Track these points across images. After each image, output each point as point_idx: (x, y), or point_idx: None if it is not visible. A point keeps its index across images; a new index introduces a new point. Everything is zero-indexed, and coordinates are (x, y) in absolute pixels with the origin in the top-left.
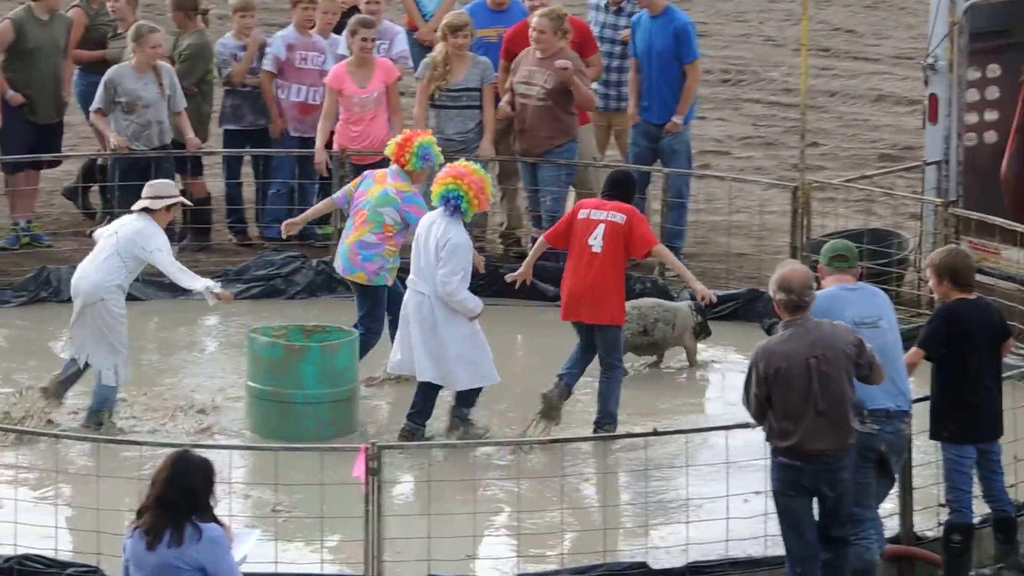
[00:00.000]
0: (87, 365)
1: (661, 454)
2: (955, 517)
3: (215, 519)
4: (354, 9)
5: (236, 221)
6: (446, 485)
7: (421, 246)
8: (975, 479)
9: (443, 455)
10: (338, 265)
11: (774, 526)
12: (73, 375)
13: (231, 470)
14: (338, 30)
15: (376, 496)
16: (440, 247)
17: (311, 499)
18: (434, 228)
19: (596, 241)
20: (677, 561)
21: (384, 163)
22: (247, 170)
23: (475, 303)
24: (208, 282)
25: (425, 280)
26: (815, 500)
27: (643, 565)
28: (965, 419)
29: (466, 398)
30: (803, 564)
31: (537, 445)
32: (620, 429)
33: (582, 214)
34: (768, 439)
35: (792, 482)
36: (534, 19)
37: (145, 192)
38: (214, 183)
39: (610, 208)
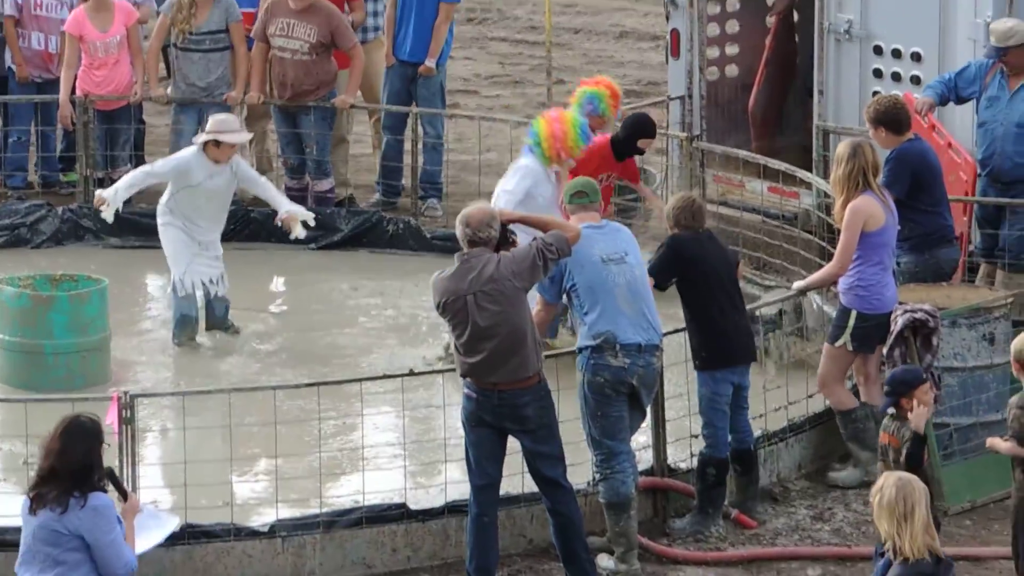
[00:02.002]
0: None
1: (420, 395)
2: (710, 452)
3: (118, 486)
4: None
5: None
6: (202, 432)
7: None
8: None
9: (195, 401)
10: None
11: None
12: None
13: None
14: None
15: (130, 445)
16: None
17: None
18: None
19: None
20: (436, 501)
21: (127, 106)
22: None
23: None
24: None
25: None
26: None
27: (402, 506)
28: (714, 346)
29: None
30: (479, 493)
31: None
32: (379, 371)
33: None
34: (455, 367)
35: (472, 414)
36: None
37: (207, 125)
38: None
39: None
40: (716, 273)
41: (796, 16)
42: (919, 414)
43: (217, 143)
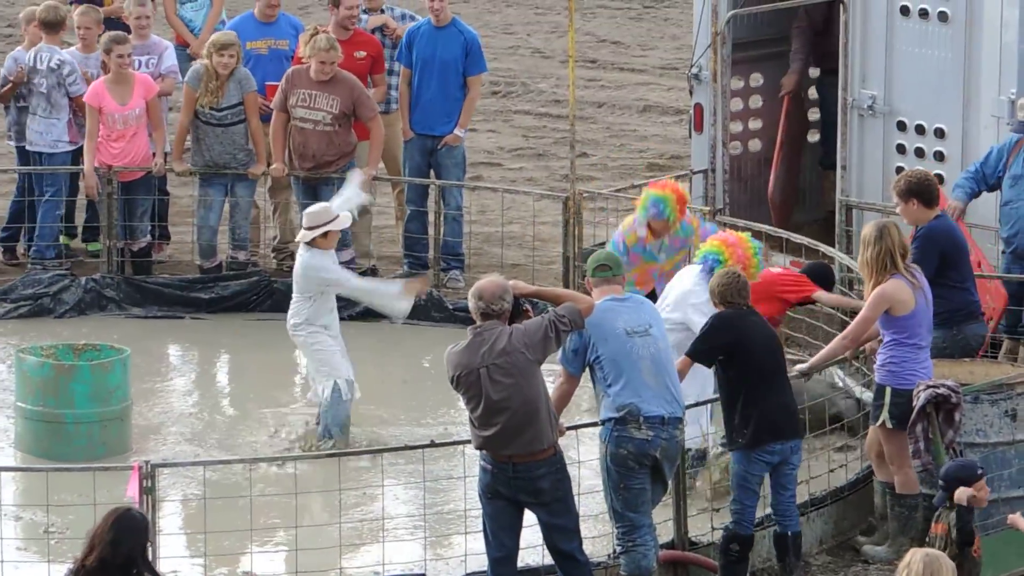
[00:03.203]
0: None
1: (440, 466)
2: (736, 528)
3: (153, 574)
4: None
5: (8, 239)
6: (222, 503)
7: None
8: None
9: (216, 473)
10: None
11: None
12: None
13: (1, 491)
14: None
15: (151, 514)
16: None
17: (84, 520)
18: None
19: None
20: (456, 573)
21: (146, 178)
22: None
23: None
24: (400, 282)
25: None
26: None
27: None
28: (757, 424)
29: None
30: (496, 566)
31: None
32: (399, 442)
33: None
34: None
35: (488, 486)
36: (322, 41)
37: (303, 222)
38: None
39: None
40: (762, 350)
41: (808, 93)
42: (962, 493)
43: (325, 234)
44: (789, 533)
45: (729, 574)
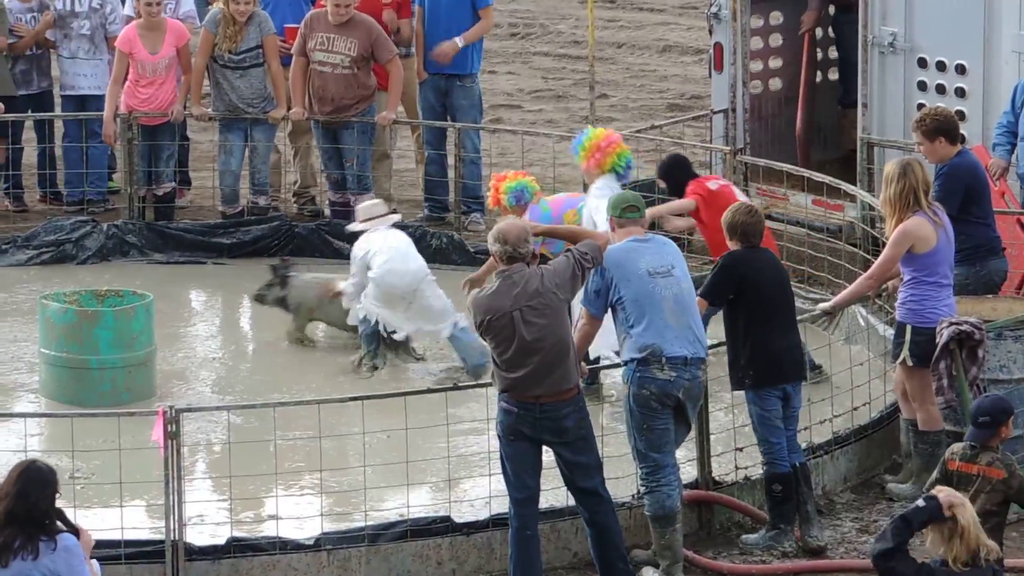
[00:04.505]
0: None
1: (463, 410)
2: (772, 468)
3: (68, 525)
4: None
5: (14, 186)
6: (247, 446)
7: None
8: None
9: (240, 416)
10: None
11: None
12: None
13: (27, 438)
14: None
15: (175, 460)
16: None
17: (110, 465)
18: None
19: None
20: (480, 515)
21: (170, 123)
22: (29, 135)
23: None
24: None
25: None
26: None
27: (447, 519)
28: (764, 364)
29: None
30: (519, 507)
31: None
32: (421, 385)
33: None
34: (494, 383)
35: (511, 427)
36: None
37: (357, 215)
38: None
39: None
40: (771, 290)
41: (824, 32)
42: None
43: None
44: (796, 464)
45: (777, 515)
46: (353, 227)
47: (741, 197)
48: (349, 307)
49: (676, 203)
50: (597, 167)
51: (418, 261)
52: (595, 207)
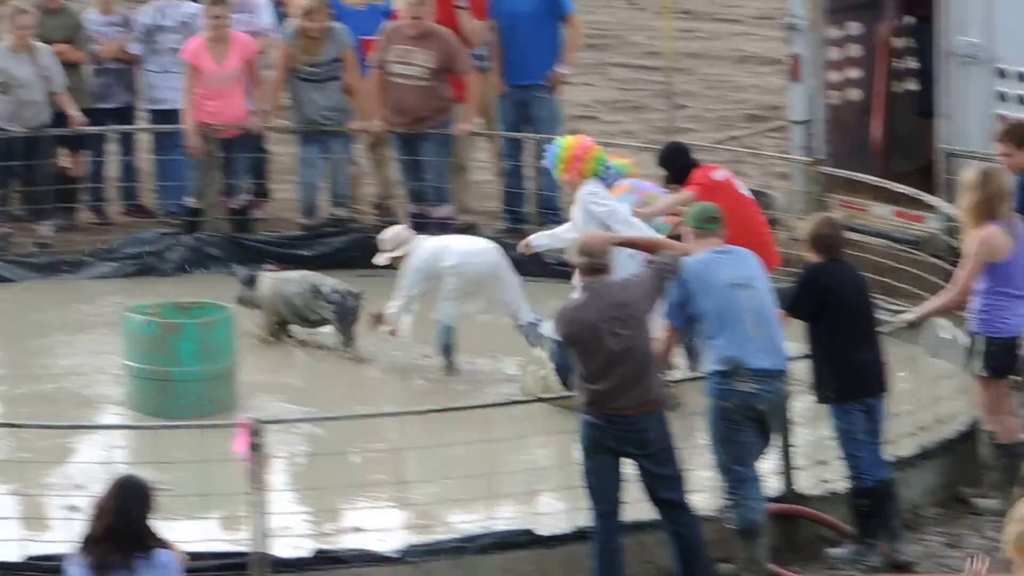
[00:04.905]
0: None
1: (550, 422)
2: (857, 483)
3: (163, 542)
4: None
5: (96, 199)
6: (332, 459)
7: None
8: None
9: (324, 429)
10: None
11: None
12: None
13: (111, 450)
14: None
15: (259, 471)
16: None
17: (193, 477)
18: None
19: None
20: (564, 527)
21: (244, 135)
22: (112, 147)
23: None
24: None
25: None
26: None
27: (529, 532)
28: (847, 378)
29: None
30: (603, 521)
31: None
32: (496, 392)
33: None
34: (577, 397)
35: (595, 440)
36: None
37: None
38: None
39: None
40: (854, 303)
41: (903, 42)
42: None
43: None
44: (883, 479)
45: (863, 529)
46: (380, 259)
47: (743, 190)
48: (392, 328)
49: (672, 199)
50: (580, 175)
51: (489, 243)
52: (605, 213)
